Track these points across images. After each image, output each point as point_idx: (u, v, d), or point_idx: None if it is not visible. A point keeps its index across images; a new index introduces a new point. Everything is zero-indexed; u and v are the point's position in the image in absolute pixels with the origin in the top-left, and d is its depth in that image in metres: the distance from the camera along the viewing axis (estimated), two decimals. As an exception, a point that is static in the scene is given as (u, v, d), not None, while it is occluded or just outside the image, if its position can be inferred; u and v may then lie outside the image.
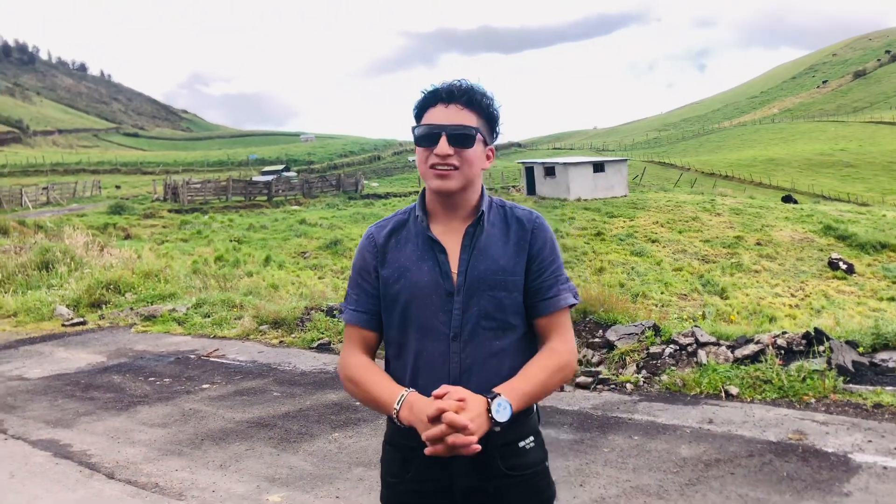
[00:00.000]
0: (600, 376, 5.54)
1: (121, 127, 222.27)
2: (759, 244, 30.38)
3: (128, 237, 26.30)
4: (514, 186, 50.32)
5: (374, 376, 1.77)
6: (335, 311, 8.35)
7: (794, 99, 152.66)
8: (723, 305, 20.88)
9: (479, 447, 1.57)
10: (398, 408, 1.66)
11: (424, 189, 1.82)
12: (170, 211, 36.69)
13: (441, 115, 1.72)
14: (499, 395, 1.62)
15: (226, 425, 5.11)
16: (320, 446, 4.59)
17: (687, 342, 5.65)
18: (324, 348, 7.39)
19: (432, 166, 1.71)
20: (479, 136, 1.73)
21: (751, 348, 5.36)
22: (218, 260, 20.05)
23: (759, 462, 3.83)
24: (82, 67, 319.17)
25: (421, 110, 1.77)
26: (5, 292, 11.34)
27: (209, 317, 9.14)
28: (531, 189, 44.82)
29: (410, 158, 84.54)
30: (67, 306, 10.20)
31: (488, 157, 1.80)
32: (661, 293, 22.70)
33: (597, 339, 6.14)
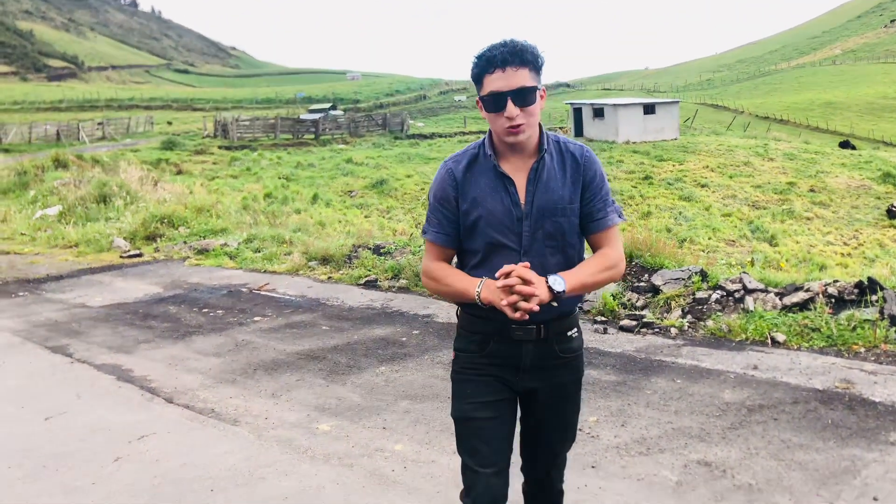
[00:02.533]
0: (645, 320, 5.55)
1: (171, 63, 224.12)
2: (812, 191, 29.47)
3: (179, 173, 26.84)
4: (561, 128, 49.44)
5: (453, 273, 2.15)
6: (381, 250, 8.47)
7: (859, 39, 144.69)
8: (772, 253, 20.45)
9: (535, 306, 1.93)
10: (479, 290, 2.02)
11: (490, 130, 2.11)
12: (220, 147, 37.21)
13: (501, 81, 1.97)
14: (556, 274, 2.01)
15: (277, 356, 5.31)
16: (368, 379, 4.74)
17: (734, 288, 5.60)
18: (371, 285, 7.53)
19: (506, 127, 2.00)
20: (537, 91, 2.00)
21: (800, 296, 5.29)
22: (267, 197, 20.38)
23: (803, 409, 3.83)
24: (133, 3, 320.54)
25: (479, 77, 2.02)
26: (67, 224, 11.79)
27: (260, 252, 9.37)
28: (579, 131, 43.97)
29: (456, 98, 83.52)
30: (124, 238, 10.55)
31: (542, 98, 2.06)
32: (709, 239, 22.33)
33: (642, 284, 6.13)
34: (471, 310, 2.14)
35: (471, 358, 2.16)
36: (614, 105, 41.52)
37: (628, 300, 5.97)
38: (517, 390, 2.16)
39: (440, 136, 46.94)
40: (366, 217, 22.45)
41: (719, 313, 5.43)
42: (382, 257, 8.20)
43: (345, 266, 8.32)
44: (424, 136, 46.44)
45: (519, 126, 1.99)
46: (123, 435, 3.98)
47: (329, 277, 8.04)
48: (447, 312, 6.26)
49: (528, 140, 2.06)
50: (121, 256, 9.73)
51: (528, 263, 1.99)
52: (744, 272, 5.92)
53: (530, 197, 2.07)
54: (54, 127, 42.94)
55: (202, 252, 9.64)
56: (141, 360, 5.35)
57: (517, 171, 2.09)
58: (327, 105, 67.29)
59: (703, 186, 29.89)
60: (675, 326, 5.40)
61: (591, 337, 5.35)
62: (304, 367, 5.04)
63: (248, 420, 4.13)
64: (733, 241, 22.81)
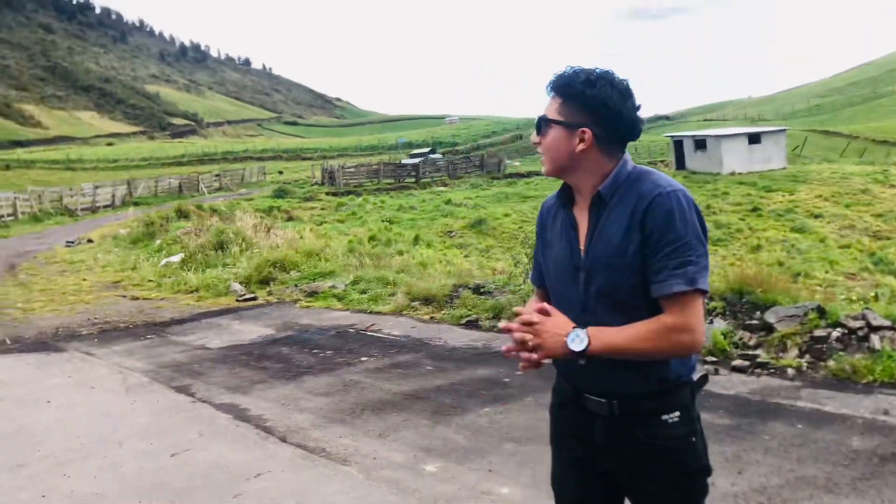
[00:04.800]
0: (758, 360, 5.30)
1: (281, 116, 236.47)
2: (945, 219, 27.31)
3: (290, 219, 28.06)
4: (661, 161, 48.36)
5: (529, 304, 1.96)
6: (482, 290, 8.54)
7: None
8: (901, 287, 19.03)
9: (535, 357, 1.72)
10: None
11: None
12: (327, 194, 38.65)
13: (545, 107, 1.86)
14: (583, 328, 1.71)
15: (383, 396, 5.42)
16: (472, 420, 4.76)
17: (857, 325, 5.27)
18: (472, 325, 7.59)
19: None
20: (553, 124, 1.81)
21: (934, 334, 4.91)
22: (371, 239, 20.94)
23: (941, 457, 3.54)
24: (246, 62, 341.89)
25: None
26: (188, 270, 12.56)
27: (365, 293, 9.64)
28: (680, 163, 42.85)
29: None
30: (240, 283, 11.13)
31: (581, 141, 1.78)
32: (826, 272, 21.04)
33: (754, 322, 5.87)
34: (557, 362, 1.90)
35: (552, 425, 1.98)
36: (717, 136, 40.32)
37: (740, 339, 5.74)
38: (600, 471, 1.87)
39: (537, 174, 46.83)
40: (465, 257, 22.61)
41: (841, 353, 5.12)
42: (483, 297, 8.26)
43: (446, 306, 8.43)
44: (521, 175, 46.55)
45: (542, 155, 1.86)
46: (241, 472, 4.16)
47: (431, 317, 8.16)
48: (550, 353, 6.21)
49: (572, 177, 1.85)
50: (237, 300, 10.26)
51: (548, 308, 1.75)
52: (867, 308, 5.57)
53: (587, 245, 1.82)
54: (177, 180, 46.10)
55: (312, 294, 10.02)
56: (256, 399, 5.60)
57: (584, 215, 1.86)
58: (427, 149, 68.81)
59: (816, 217, 28.34)
60: (792, 367, 5.13)
61: (701, 378, 5.16)
62: (409, 407, 5.13)
63: (358, 460, 4.23)
64: (853, 274, 21.41)
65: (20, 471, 4.36)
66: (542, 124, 1.83)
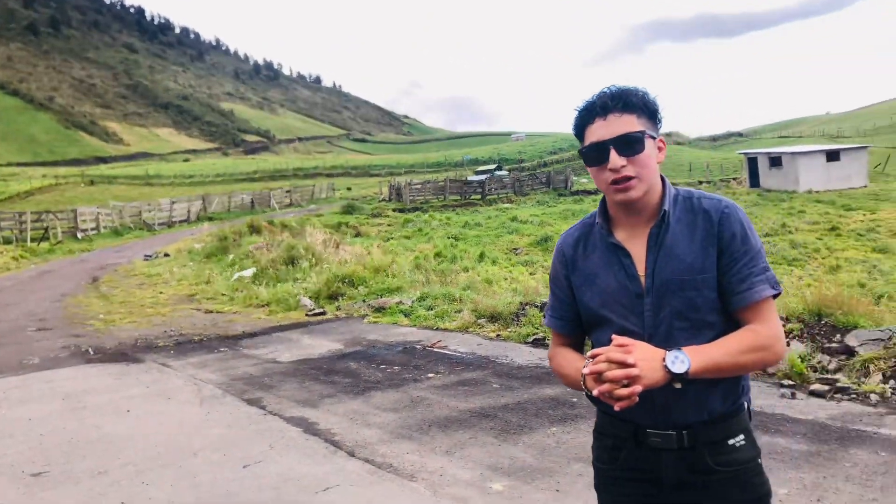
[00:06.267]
0: (838, 385, 5.09)
1: (350, 133, 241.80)
2: None
3: (358, 235, 28.52)
4: (734, 179, 47.08)
5: (566, 356, 1.88)
6: (549, 308, 8.50)
7: None
8: None
9: (639, 388, 1.58)
10: (584, 375, 1.68)
11: (604, 196, 1.84)
12: (394, 210, 39.16)
13: (602, 130, 1.73)
14: (678, 349, 1.63)
15: (450, 413, 5.44)
16: (539, 439, 4.73)
17: (948, 352, 5.01)
18: (539, 343, 7.55)
19: (611, 182, 1.73)
20: (646, 137, 1.73)
21: None
22: (437, 256, 21.05)
23: None
24: (317, 80, 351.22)
25: (580, 130, 1.79)
26: (259, 284, 12.92)
27: (432, 309, 9.71)
28: (754, 181, 41.68)
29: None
30: (310, 298, 11.38)
31: (660, 149, 1.79)
32: (914, 295, 19.99)
33: (834, 345, 5.65)
34: (600, 405, 1.80)
35: (604, 471, 1.86)
36: (793, 153, 39.13)
37: (818, 363, 5.53)
38: None
39: (606, 191, 46.30)
40: (531, 274, 22.47)
41: (930, 380, 4.87)
42: (550, 316, 8.21)
43: (512, 324, 8.41)
44: (589, 192, 46.09)
45: (627, 180, 1.70)
46: (311, 486, 4.24)
47: (497, 335, 8.15)
48: (618, 373, 6.12)
49: (645, 199, 1.75)
50: (307, 314, 10.49)
51: (625, 341, 1.63)
52: (959, 334, 5.29)
53: (650, 268, 1.74)
54: (249, 196, 47.56)
55: (379, 310, 10.16)
56: (325, 413, 5.70)
57: (634, 239, 1.78)
58: (493, 166, 68.88)
59: (902, 236, 27.00)
60: (875, 392, 4.91)
61: (777, 402, 4.99)
62: (476, 424, 5.13)
63: (424, 476, 4.26)
64: (945, 296, 20.26)
65: (102, 478, 4.55)
66: (635, 141, 1.70)
